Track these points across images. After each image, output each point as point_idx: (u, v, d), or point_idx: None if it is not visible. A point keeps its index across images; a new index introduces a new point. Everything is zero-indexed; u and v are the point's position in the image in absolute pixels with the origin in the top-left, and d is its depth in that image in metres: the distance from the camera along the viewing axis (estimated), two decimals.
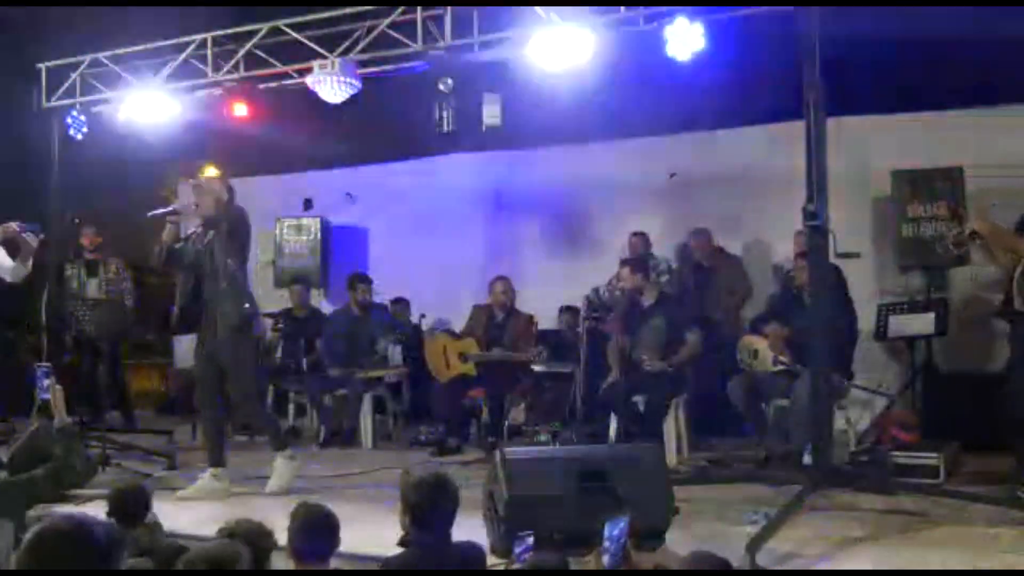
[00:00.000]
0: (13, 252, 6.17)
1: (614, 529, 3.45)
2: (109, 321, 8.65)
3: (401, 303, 9.35)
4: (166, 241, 5.92)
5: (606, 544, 3.44)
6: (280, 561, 3.53)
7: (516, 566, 3.57)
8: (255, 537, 3.16)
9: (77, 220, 8.59)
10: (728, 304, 8.16)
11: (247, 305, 5.92)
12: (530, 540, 3.62)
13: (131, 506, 3.84)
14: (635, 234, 8.50)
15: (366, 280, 8.63)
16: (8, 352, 9.54)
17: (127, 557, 2.84)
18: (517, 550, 3.62)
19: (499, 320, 7.93)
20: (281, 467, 5.98)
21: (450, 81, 6.73)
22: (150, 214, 6.02)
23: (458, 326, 8.29)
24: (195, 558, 2.82)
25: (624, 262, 7.50)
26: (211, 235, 5.89)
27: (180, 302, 6.09)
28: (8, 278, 6.18)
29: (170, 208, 6.01)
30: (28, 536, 2.51)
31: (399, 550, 3.43)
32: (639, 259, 7.84)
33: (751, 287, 8.35)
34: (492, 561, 3.96)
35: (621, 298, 7.27)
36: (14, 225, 5.93)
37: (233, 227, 5.85)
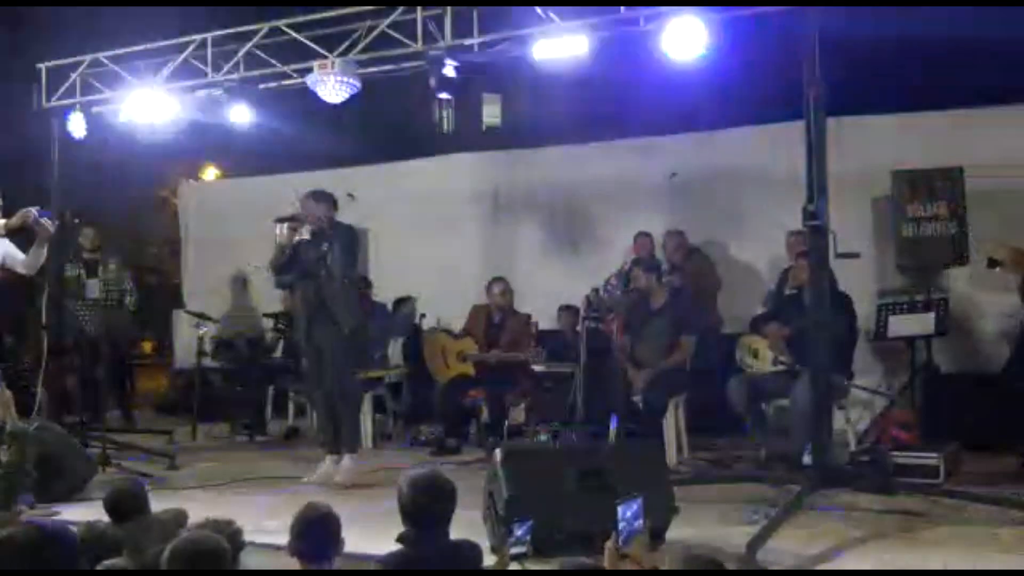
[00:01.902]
0: (26, 242, 6.16)
1: (627, 510, 3.51)
2: (109, 321, 8.65)
3: (407, 302, 9.23)
4: (285, 245, 6.40)
5: (621, 525, 3.49)
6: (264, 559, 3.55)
7: (513, 551, 3.58)
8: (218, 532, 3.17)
9: (77, 220, 8.59)
10: (700, 299, 8.15)
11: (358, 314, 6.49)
12: (529, 523, 3.65)
13: (127, 504, 3.83)
14: (641, 234, 8.47)
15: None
16: (7, 356, 9.52)
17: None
18: (518, 532, 3.64)
19: (497, 321, 7.94)
20: (328, 467, 6.35)
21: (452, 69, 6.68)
22: (276, 219, 6.46)
23: (458, 326, 8.29)
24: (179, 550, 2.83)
25: (636, 262, 7.50)
26: (325, 246, 6.29)
27: (306, 312, 6.42)
28: (22, 270, 6.18)
29: (292, 215, 6.46)
30: None
31: (398, 547, 3.43)
32: (651, 260, 7.83)
33: (719, 280, 8.35)
34: (491, 561, 3.96)
35: (630, 298, 7.26)
36: (33, 211, 5.93)
37: (348, 241, 6.42)
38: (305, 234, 6.40)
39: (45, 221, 5.94)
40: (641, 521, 3.57)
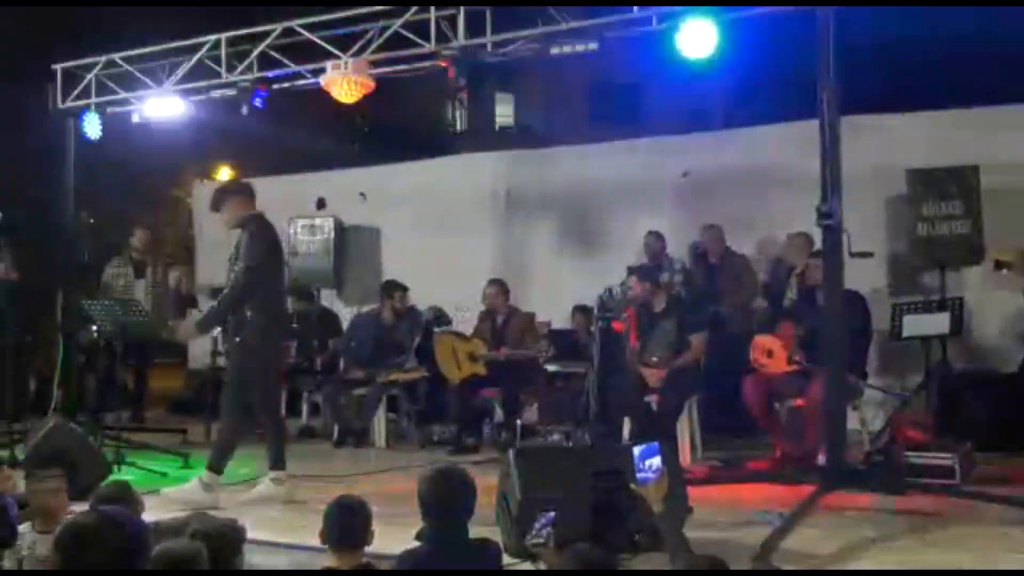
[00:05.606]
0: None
1: (644, 455, 3.67)
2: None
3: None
4: None
5: (639, 464, 3.61)
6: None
7: (534, 541, 3.59)
8: (221, 532, 3.18)
9: (92, 220, 8.63)
10: (735, 300, 8.13)
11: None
12: (551, 515, 3.66)
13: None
14: (651, 233, 8.47)
15: (402, 288, 8.53)
16: (23, 355, 9.56)
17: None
18: (537, 525, 3.65)
19: (500, 322, 7.99)
20: (266, 486, 5.84)
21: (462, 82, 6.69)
22: None
23: (471, 325, 8.29)
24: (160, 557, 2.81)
25: (631, 270, 7.47)
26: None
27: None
28: None
29: None
30: (57, 532, 2.54)
31: (415, 544, 3.44)
32: (646, 267, 7.79)
33: (759, 284, 8.32)
34: (506, 561, 3.97)
35: (632, 302, 7.25)
36: None
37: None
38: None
39: None
40: (659, 464, 3.61)
